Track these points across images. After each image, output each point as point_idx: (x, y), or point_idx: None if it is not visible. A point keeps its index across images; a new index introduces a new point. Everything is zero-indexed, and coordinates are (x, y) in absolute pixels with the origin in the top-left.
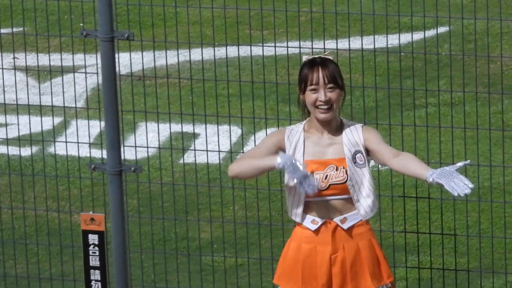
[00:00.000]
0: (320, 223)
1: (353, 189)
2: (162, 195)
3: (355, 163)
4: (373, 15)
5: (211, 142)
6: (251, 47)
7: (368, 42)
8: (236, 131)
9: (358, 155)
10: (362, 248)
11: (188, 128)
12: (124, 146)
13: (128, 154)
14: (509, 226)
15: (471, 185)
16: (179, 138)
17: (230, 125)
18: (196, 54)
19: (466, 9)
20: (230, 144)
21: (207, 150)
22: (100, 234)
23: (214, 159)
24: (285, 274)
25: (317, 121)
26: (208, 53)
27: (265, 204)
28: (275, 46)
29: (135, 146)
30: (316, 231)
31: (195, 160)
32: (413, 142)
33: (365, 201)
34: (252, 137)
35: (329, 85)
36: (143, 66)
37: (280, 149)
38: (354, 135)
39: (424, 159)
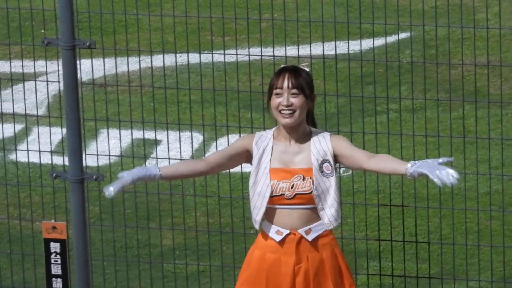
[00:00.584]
0: (284, 234)
1: (318, 198)
2: (124, 202)
3: (322, 172)
4: (335, 22)
5: (173, 148)
6: (212, 54)
7: (329, 48)
8: (198, 138)
9: (325, 164)
10: (326, 259)
11: (150, 134)
12: (86, 154)
13: (90, 161)
14: (470, 232)
15: (456, 175)
16: (140, 145)
17: (192, 132)
18: (157, 60)
19: (428, 15)
20: (192, 151)
21: (169, 158)
22: (62, 243)
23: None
24: (249, 281)
25: (284, 129)
26: (169, 59)
27: (227, 211)
28: (236, 54)
29: (97, 155)
30: (281, 242)
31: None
32: (374, 148)
33: (329, 210)
34: (214, 144)
35: (293, 90)
36: (104, 73)
37: (247, 151)
38: (322, 144)
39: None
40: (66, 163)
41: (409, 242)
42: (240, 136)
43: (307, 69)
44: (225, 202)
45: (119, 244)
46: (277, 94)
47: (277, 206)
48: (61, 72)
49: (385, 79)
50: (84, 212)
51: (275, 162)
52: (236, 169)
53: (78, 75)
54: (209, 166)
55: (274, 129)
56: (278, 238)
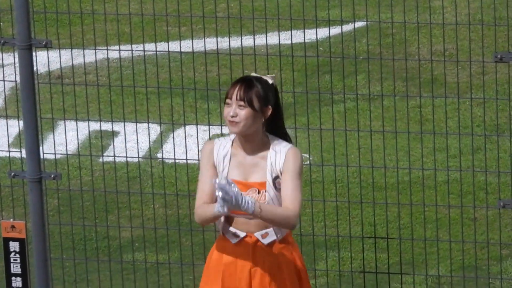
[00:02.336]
0: (241, 236)
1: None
2: (82, 194)
3: (275, 187)
4: (290, 11)
5: (131, 140)
6: (168, 44)
7: (285, 38)
8: (156, 129)
9: (277, 180)
10: (284, 263)
11: (107, 126)
12: (43, 153)
13: (47, 153)
14: (429, 221)
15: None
16: (98, 137)
17: (149, 123)
18: (114, 52)
19: (384, 3)
20: (149, 142)
21: (126, 156)
22: (21, 242)
23: (134, 158)
24: (206, 282)
25: (239, 139)
26: (126, 51)
27: (186, 202)
28: (192, 45)
29: (55, 154)
30: (237, 244)
31: (115, 159)
32: (331, 138)
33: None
34: (171, 134)
35: (240, 103)
36: (60, 65)
37: (214, 167)
38: (277, 159)
39: (343, 155)
40: (24, 155)
41: (368, 238)
42: (196, 128)
43: (271, 81)
44: (184, 193)
45: (78, 237)
46: (227, 103)
47: (236, 215)
48: (17, 64)
49: (342, 68)
50: (43, 211)
51: (233, 174)
52: (194, 161)
53: (35, 73)
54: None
55: (233, 137)
56: (234, 240)
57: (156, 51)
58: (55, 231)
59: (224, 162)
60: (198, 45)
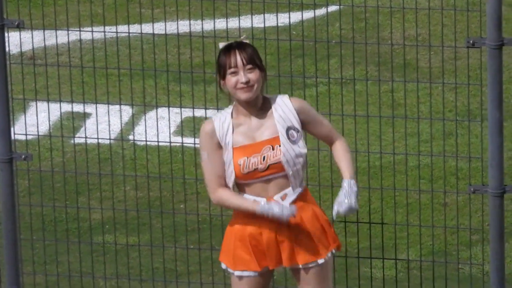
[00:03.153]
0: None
1: (287, 164)
2: (53, 176)
3: (289, 140)
4: None
5: (103, 121)
6: (141, 26)
7: (259, 21)
8: (128, 111)
9: (291, 131)
10: (306, 220)
11: (79, 107)
12: (15, 134)
13: (18, 135)
14: (400, 206)
15: (347, 207)
16: (70, 118)
17: (121, 105)
18: (87, 33)
19: None
20: (121, 124)
21: (98, 138)
22: None
23: (106, 139)
24: (235, 255)
25: (242, 106)
26: (99, 32)
27: (156, 185)
28: (165, 27)
29: (26, 134)
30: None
31: (86, 140)
32: None
33: (298, 173)
34: (143, 117)
35: (248, 66)
36: (33, 46)
37: (220, 146)
38: (284, 109)
39: (315, 138)
40: None
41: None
42: (180, 113)
43: (247, 41)
44: (155, 176)
45: (48, 218)
46: (232, 73)
47: (252, 181)
48: None
49: (314, 52)
50: (13, 191)
51: (239, 141)
52: (165, 143)
53: (8, 54)
54: (225, 185)
55: (230, 109)
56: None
57: (129, 32)
58: (25, 212)
59: (227, 136)
60: (171, 27)
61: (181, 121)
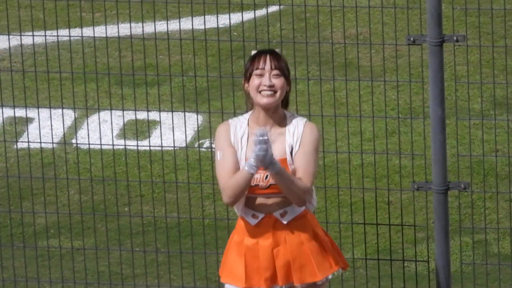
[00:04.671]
0: (260, 217)
1: None
2: None
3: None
4: None
5: (45, 126)
6: (82, 30)
7: (199, 23)
8: (70, 115)
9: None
10: (305, 240)
11: (21, 112)
12: None
13: None
14: (344, 205)
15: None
16: (12, 123)
17: (63, 109)
18: (28, 38)
19: None
20: (64, 128)
21: (41, 142)
22: None
23: (49, 144)
24: (228, 267)
25: (261, 114)
26: (40, 37)
27: (100, 188)
28: (106, 31)
29: None
30: (257, 225)
31: (29, 145)
32: None
33: None
34: (86, 120)
35: (275, 72)
36: None
37: (233, 145)
38: (295, 132)
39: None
40: None
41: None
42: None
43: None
44: (99, 179)
45: None
46: (257, 75)
47: (251, 195)
48: None
49: None
50: None
51: (249, 154)
52: (108, 147)
53: None
54: None
55: (248, 115)
56: (254, 221)
57: (70, 36)
58: None
59: (242, 142)
60: (112, 30)
61: (124, 124)
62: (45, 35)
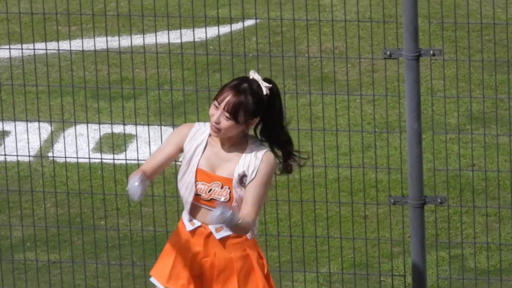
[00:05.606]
0: (196, 225)
1: (235, 205)
2: None
3: (241, 183)
4: (179, 11)
5: (22, 139)
6: (58, 43)
7: (175, 37)
8: (46, 128)
9: (245, 178)
10: (235, 259)
11: None
12: None
13: None
14: (320, 219)
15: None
16: None
17: (39, 122)
18: (4, 51)
19: (273, 1)
20: (40, 141)
21: (17, 155)
22: None
23: (25, 157)
24: (159, 262)
25: None
26: (17, 50)
27: (77, 201)
28: (82, 44)
29: None
30: (192, 232)
31: (5, 158)
32: None
33: None
34: (62, 134)
35: (226, 114)
36: None
37: (180, 149)
38: (251, 163)
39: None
40: None
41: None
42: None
43: (265, 91)
44: (76, 192)
45: None
46: (215, 105)
47: (195, 203)
48: None
49: (232, 66)
50: None
51: (203, 163)
52: (85, 160)
53: None
54: (148, 175)
55: None
56: (190, 227)
57: (46, 49)
58: None
59: (196, 150)
60: (88, 44)
61: (100, 138)
62: (22, 48)
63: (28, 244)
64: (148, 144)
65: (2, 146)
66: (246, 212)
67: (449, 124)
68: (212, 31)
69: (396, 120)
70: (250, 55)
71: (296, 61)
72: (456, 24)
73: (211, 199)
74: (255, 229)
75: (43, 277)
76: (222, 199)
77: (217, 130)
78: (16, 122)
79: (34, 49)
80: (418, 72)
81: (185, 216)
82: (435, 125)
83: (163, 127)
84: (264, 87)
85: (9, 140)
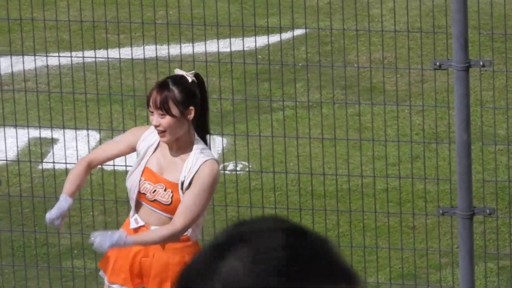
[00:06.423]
0: (139, 224)
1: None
2: (21, 201)
3: (183, 189)
4: (229, 19)
5: (70, 147)
6: (108, 51)
7: (225, 46)
8: (95, 136)
9: (184, 183)
10: (172, 264)
11: (46, 133)
12: None
13: None
14: (368, 229)
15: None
16: (37, 144)
17: (88, 130)
18: (54, 59)
19: (322, 11)
20: (89, 149)
21: (66, 163)
22: None
23: (73, 165)
24: (104, 260)
25: None
26: (66, 58)
27: (125, 209)
28: (131, 52)
29: None
30: (135, 230)
31: (54, 166)
32: (270, 145)
33: None
34: None
35: (159, 111)
36: (0, 72)
37: (131, 147)
38: (191, 169)
39: (282, 162)
40: None
41: None
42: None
43: (190, 79)
44: (124, 200)
45: (17, 244)
46: (150, 111)
47: (140, 201)
48: None
49: (281, 75)
50: None
51: (152, 163)
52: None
53: None
54: (92, 165)
55: None
56: (134, 225)
57: (95, 58)
58: None
59: (148, 151)
60: (137, 52)
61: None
62: (71, 56)
63: (76, 251)
64: None
65: (51, 153)
66: (175, 219)
67: (498, 135)
68: (261, 40)
69: (445, 130)
70: (299, 64)
71: (345, 71)
72: (506, 35)
73: (155, 200)
74: (199, 232)
75: (90, 285)
76: (164, 201)
77: (163, 134)
78: (65, 130)
79: (83, 57)
80: (468, 83)
81: (131, 213)
82: (484, 136)
83: (212, 136)
84: (188, 75)
85: (57, 148)
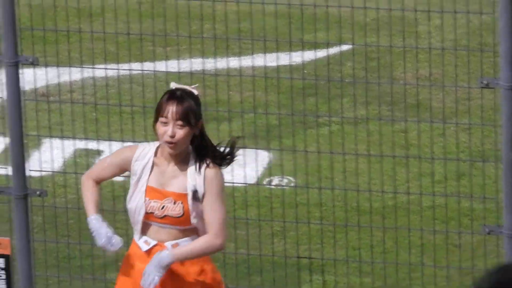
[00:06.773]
0: (151, 245)
1: (196, 221)
2: (67, 212)
3: (196, 198)
4: (276, 33)
5: None
6: (154, 64)
7: (271, 60)
8: None
9: (197, 193)
10: (192, 273)
11: (92, 144)
12: (29, 170)
13: (32, 170)
14: (414, 246)
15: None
16: (83, 155)
17: (134, 142)
18: (100, 70)
19: (370, 27)
20: None
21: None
22: (6, 258)
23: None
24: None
25: (165, 149)
26: (112, 70)
27: None
28: (178, 65)
29: (41, 171)
30: (148, 252)
31: None
32: (316, 161)
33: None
34: None
35: (179, 122)
36: (47, 83)
37: (123, 169)
38: (197, 177)
39: (328, 178)
40: (10, 172)
41: (354, 261)
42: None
43: (196, 92)
44: None
45: (62, 255)
46: (162, 122)
47: (147, 221)
48: (3, 81)
49: (327, 91)
50: (28, 227)
51: (152, 181)
52: None
53: (21, 90)
54: (96, 181)
55: (157, 145)
56: (145, 248)
57: (142, 70)
58: (39, 248)
59: (144, 170)
60: (184, 65)
61: None
62: (118, 68)
63: (120, 263)
64: (243, 167)
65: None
66: (213, 232)
67: None
68: (308, 55)
69: (491, 149)
70: (346, 80)
71: (392, 88)
72: None
73: (165, 216)
74: (223, 246)
75: None
76: (176, 214)
77: (173, 145)
78: (111, 142)
79: (130, 69)
80: None
81: (136, 237)
82: None
83: (258, 150)
84: (193, 89)
85: None
